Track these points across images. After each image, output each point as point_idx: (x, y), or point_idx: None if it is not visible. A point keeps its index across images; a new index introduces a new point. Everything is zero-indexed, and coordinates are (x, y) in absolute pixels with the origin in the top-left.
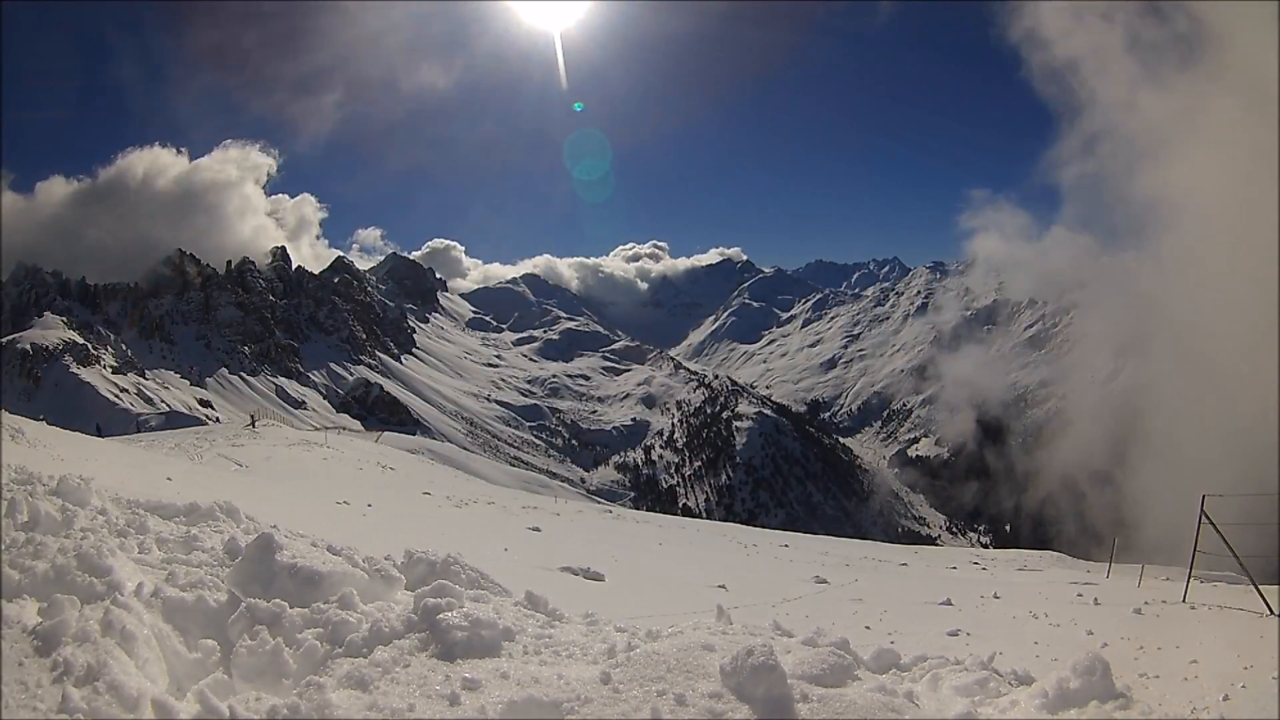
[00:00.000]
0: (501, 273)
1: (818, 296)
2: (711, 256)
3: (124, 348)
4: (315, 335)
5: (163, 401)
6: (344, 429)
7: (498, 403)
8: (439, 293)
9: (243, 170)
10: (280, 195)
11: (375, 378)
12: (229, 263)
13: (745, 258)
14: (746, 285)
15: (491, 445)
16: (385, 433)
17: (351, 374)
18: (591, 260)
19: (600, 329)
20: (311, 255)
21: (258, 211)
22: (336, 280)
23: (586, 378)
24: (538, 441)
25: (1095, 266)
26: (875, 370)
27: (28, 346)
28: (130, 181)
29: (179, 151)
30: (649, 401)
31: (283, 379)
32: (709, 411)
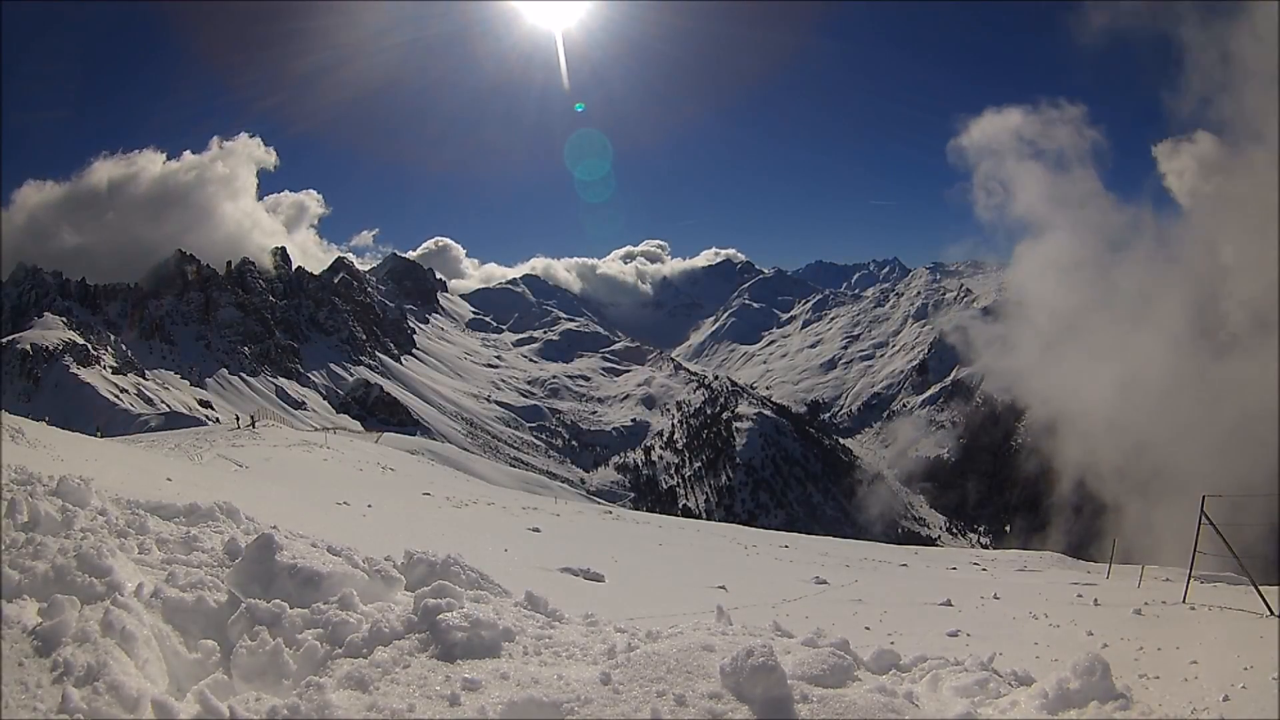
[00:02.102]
0: (501, 273)
1: (818, 297)
2: (711, 257)
3: (124, 348)
4: (315, 336)
5: (162, 402)
6: (344, 429)
7: (498, 403)
8: (439, 293)
9: (235, 161)
10: (283, 192)
11: (375, 378)
12: (229, 263)
13: (745, 258)
14: (746, 286)
15: (491, 446)
16: (385, 433)
17: (351, 374)
18: (591, 261)
19: (600, 330)
20: (307, 247)
21: (250, 195)
22: (336, 280)
23: (586, 378)
24: (538, 442)
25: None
26: (875, 371)
27: (28, 347)
28: (115, 184)
29: (167, 158)
30: (649, 402)
31: (283, 379)
32: (709, 412)
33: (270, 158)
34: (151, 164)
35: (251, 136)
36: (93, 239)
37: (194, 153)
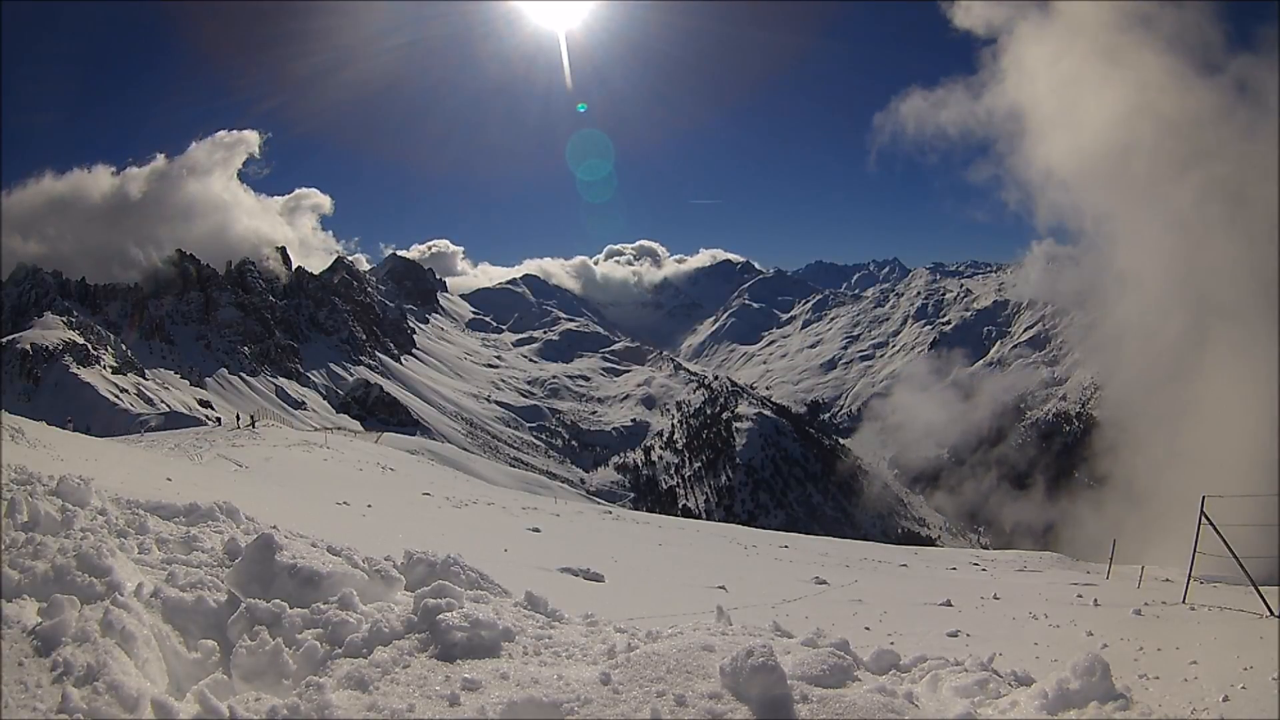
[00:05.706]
0: (501, 273)
1: (818, 297)
2: (711, 257)
3: (124, 348)
4: (315, 336)
5: (162, 402)
6: (344, 429)
7: (498, 403)
8: (439, 293)
9: (211, 148)
10: (290, 193)
11: (375, 378)
12: (229, 263)
13: (745, 259)
14: (746, 286)
15: (491, 446)
16: (385, 433)
17: (351, 374)
18: (591, 261)
19: (600, 330)
20: (309, 242)
21: (228, 174)
22: (336, 280)
23: (586, 378)
24: (537, 442)
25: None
26: (875, 371)
27: (28, 346)
28: (58, 196)
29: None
30: (649, 402)
31: (283, 379)
32: (709, 412)
33: (255, 138)
34: (100, 179)
35: (245, 129)
36: (54, 246)
37: (169, 157)
